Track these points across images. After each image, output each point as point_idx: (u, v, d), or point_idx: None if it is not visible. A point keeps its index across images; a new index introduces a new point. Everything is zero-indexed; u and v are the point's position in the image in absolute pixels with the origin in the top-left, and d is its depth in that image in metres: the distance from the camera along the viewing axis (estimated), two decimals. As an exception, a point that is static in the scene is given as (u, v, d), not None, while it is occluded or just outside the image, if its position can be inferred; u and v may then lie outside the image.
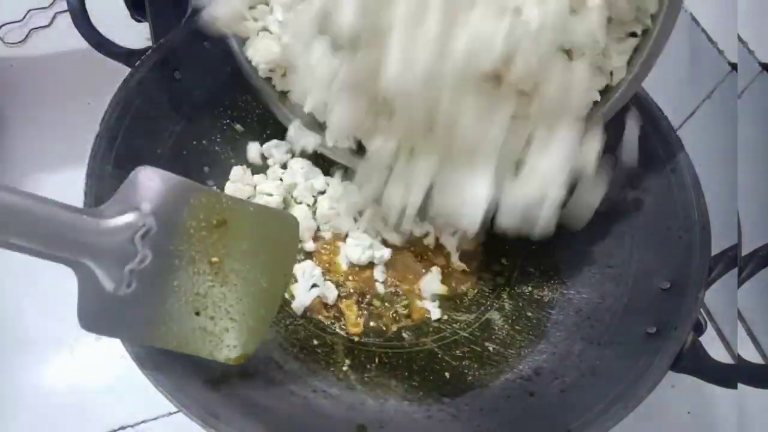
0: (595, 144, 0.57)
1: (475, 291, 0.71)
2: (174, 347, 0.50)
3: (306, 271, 0.67)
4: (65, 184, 0.65)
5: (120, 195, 0.48)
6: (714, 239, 0.60)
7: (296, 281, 0.67)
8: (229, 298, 0.52)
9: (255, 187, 0.73)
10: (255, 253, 0.53)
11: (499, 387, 0.62)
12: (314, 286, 0.67)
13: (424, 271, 0.71)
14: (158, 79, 0.67)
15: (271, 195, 0.71)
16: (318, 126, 0.67)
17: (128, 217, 0.47)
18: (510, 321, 0.69)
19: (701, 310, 0.57)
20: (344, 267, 0.70)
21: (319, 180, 0.74)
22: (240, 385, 0.57)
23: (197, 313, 0.51)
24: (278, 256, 0.55)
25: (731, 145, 0.68)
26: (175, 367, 0.53)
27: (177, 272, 0.49)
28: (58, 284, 0.71)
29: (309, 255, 0.70)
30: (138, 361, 0.51)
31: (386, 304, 0.68)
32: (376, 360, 0.64)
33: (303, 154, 0.72)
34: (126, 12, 0.87)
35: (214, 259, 0.51)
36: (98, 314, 0.47)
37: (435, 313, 0.68)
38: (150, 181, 0.49)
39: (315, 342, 0.65)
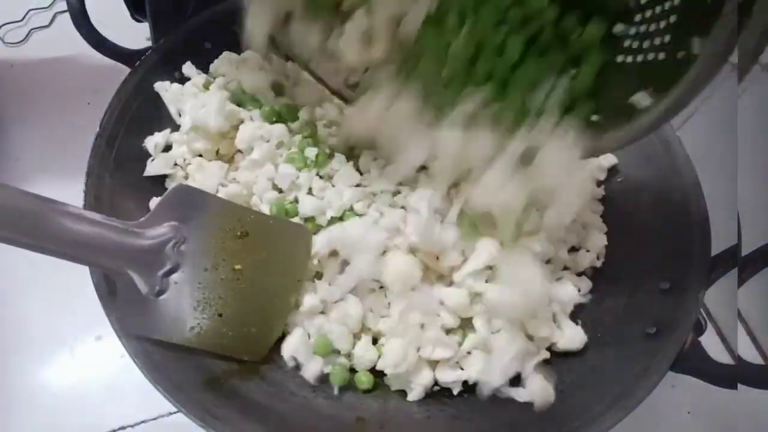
0: None
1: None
2: (198, 345, 0.54)
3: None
4: (65, 184, 0.65)
5: (158, 210, 0.55)
6: (714, 239, 0.60)
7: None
8: (248, 301, 0.56)
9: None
10: (273, 261, 0.58)
11: (499, 387, 0.62)
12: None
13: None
14: (158, 79, 0.67)
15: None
16: None
17: (164, 229, 0.54)
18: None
19: (701, 310, 0.57)
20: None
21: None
22: (240, 385, 0.57)
23: (220, 315, 0.55)
24: (292, 263, 0.59)
25: (731, 145, 0.68)
26: (175, 367, 0.53)
27: (204, 278, 0.55)
28: (58, 285, 0.72)
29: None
30: (138, 361, 0.51)
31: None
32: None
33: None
34: (126, 12, 0.87)
35: (237, 267, 0.56)
36: (136, 316, 0.53)
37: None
38: (184, 197, 0.56)
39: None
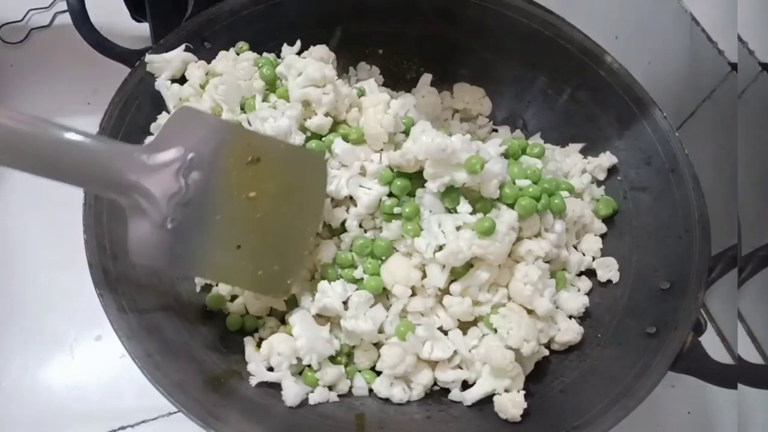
0: None
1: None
2: (218, 279, 0.53)
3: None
4: (65, 183, 0.65)
5: (163, 133, 0.51)
6: (714, 239, 0.60)
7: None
8: (266, 232, 0.54)
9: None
10: (288, 188, 0.55)
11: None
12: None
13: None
14: (158, 78, 0.67)
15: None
16: None
17: (172, 153, 0.50)
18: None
19: (701, 310, 0.57)
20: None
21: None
22: (240, 385, 0.57)
23: (238, 247, 0.53)
24: (309, 193, 0.57)
25: (731, 145, 0.68)
26: (175, 367, 0.53)
27: (218, 206, 0.52)
28: (58, 285, 0.72)
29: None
30: (138, 361, 0.51)
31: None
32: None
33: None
34: (126, 12, 0.87)
35: (252, 194, 0.53)
36: (147, 246, 0.50)
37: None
38: (190, 120, 0.52)
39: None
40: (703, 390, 0.72)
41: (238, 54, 0.70)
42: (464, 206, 0.59)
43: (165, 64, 0.67)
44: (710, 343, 0.75)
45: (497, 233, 0.57)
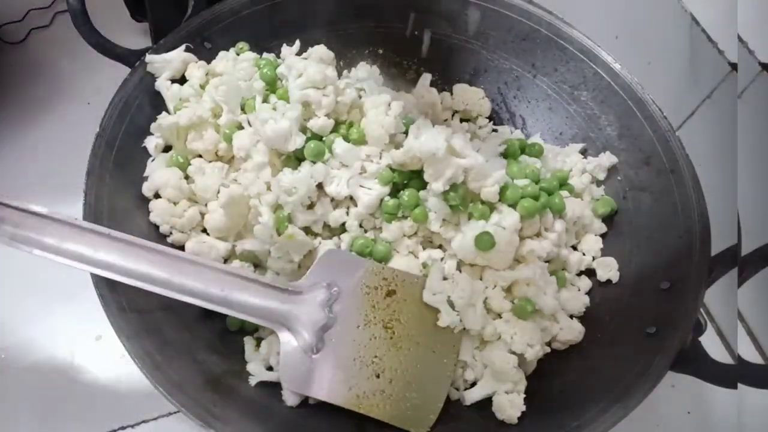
0: None
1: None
2: (358, 409, 0.56)
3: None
4: (65, 183, 0.65)
5: (313, 271, 0.59)
6: (714, 239, 0.60)
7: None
8: (404, 362, 0.57)
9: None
10: (423, 319, 0.59)
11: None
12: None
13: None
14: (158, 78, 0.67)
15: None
16: None
17: (320, 291, 0.58)
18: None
19: (701, 310, 0.57)
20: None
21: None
22: (240, 385, 0.57)
23: (377, 376, 0.57)
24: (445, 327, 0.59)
25: (731, 145, 0.68)
26: (175, 367, 0.53)
27: (357, 334, 0.57)
28: (58, 285, 0.72)
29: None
30: (138, 361, 0.51)
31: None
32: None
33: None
34: (126, 12, 0.87)
35: (389, 324, 0.58)
36: (296, 373, 0.56)
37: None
38: (334, 260, 0.60)
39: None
40: (703, 390, 0.72)
41: (238, 54, 0.70)
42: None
43: (165, 64, 0.67)
44: (710, 343, 0.75)
45: (500, 243, 0.57)
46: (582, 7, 0.79)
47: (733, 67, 0.70)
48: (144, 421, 0.67)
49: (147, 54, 0.66)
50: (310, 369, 0.56)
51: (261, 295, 0.56)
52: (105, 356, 0.70)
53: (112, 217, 0.58)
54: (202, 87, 0.67)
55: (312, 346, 0.56)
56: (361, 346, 0.57)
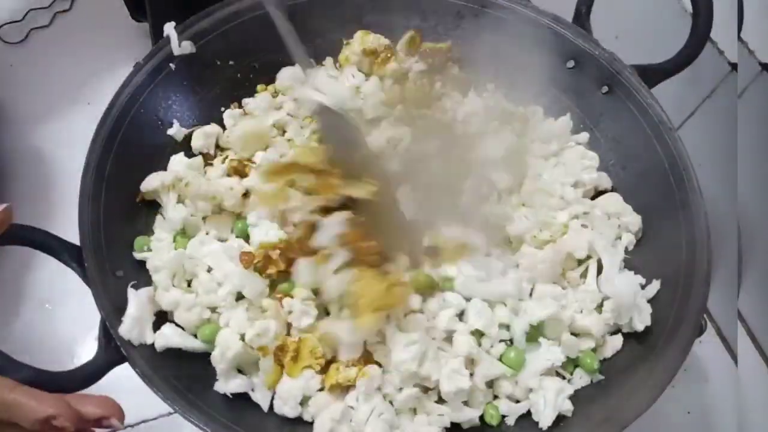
0: None
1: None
2: None
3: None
4: (64, 183, 0.65)
5: None
6: (714, 239, 0.60)
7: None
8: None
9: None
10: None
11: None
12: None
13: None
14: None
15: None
16: None
17: None
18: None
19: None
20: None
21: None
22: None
23: None
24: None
25: (731, 145, 0.68)
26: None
27: None
28: (58, 286, 0.72)
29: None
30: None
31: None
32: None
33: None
34: (126, 12, 0.87)
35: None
36: None
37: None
38: None
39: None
40: (703, 390, 0.72)
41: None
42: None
43: None
44: (710, 343, 0.75)
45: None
46: (582, 7, 0.78)
47: (733, 67, 0.70)
48: (144, 421, 0.67)
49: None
50: None
51: None
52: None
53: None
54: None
55: None
56: None
